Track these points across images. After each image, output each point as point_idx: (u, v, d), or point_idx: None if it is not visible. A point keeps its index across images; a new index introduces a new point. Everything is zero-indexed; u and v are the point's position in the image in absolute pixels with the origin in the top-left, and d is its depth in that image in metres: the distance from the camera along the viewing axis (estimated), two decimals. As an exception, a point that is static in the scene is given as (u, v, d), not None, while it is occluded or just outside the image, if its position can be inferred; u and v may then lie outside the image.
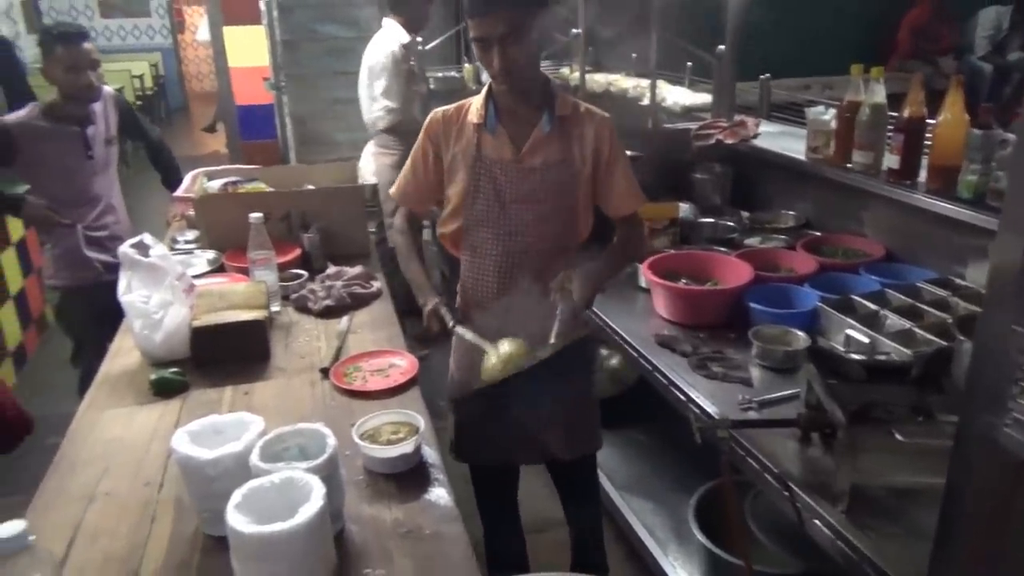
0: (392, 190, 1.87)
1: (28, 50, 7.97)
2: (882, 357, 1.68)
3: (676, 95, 3.55)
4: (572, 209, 1.73)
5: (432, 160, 1.77)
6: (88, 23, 10.91)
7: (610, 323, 2.14)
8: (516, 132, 1.70)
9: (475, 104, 1.72)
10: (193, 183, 2.97)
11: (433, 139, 1.76)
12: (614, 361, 2.97)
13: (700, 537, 2.12)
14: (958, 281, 2.02)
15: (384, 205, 3.85)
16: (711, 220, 2.69)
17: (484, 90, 1.72)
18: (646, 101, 3.62)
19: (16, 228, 4.11)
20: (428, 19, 3.94)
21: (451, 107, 1.76)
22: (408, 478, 1.49)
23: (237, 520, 1.10)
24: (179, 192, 3.04)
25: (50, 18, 10.06)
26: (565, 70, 4.66)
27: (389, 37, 3.76)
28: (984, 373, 0.95)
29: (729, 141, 2.76)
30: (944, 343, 1.66)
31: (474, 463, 1.97)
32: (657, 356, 1.94)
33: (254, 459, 1.27)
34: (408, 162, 1.82)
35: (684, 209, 2.63)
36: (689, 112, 3.45)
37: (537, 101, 1.69)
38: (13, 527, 0.96)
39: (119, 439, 1.66)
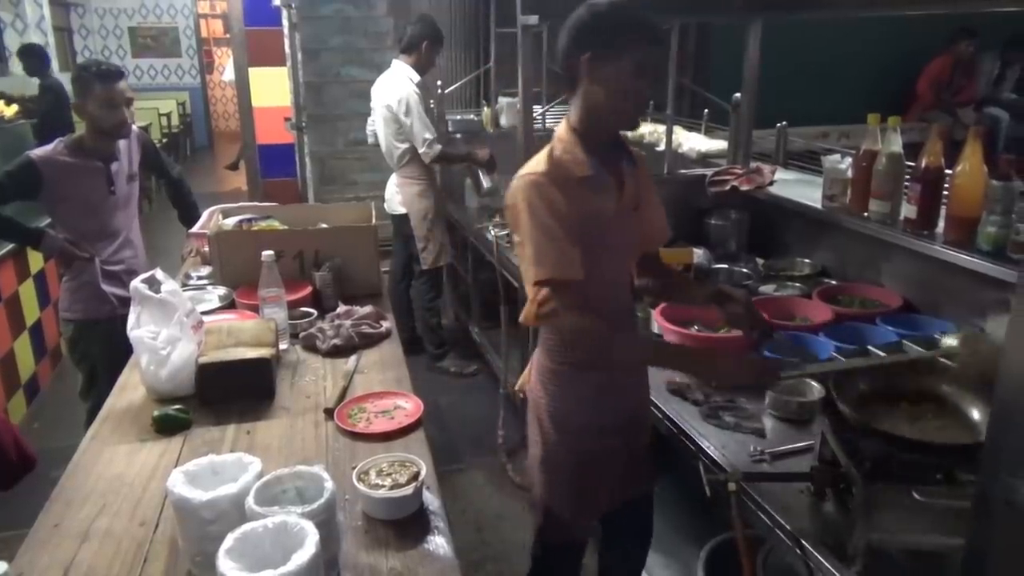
0: (535, 276, 1.53)
1: (60, 87, 8.18)
2: (900, 411, 1.63)
3: (692, 141, 3.57)
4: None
5: (566, 221, 1.53)
6: (120, 62, 11.24)
7: (621, 369, 2.10)
8: (616, 180, 1.61)
9: (568, 157, 1.54)
10: (210, 219, 3.00)
11: (557, 201, 1.51)
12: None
13: (710, 593, 2.05)
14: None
15: (416, 231, 3.91)
16: (726, 267, 2.66)
17: (568, 142, 1.56)
18: (662, 147, 3.64)
19: (35, 260, 4.16)
20: (434, 65, 4.03)
21: (541, 167, 1.54)
22: (408, 525, 1.45)
23: (227, 566, 1.07)
24: (195, 228, 3.07)
25: (83, 57, 10.35)
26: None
27: (403, 75, 3.82)
28: (1005, 432, 0.91)
29: (744, 188, 2.75)
30: (964, 398, 1.61)
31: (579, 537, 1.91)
32: (668, 404, 1.89)
33: (250, 502, 1.24)
34: (540, 237, 1.51)
35: (699, 255, 2.61)
36: (705, 158, 3.47)
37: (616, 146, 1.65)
38: (-5, 568, 0.93)
39: (119, 476, 1.63)
